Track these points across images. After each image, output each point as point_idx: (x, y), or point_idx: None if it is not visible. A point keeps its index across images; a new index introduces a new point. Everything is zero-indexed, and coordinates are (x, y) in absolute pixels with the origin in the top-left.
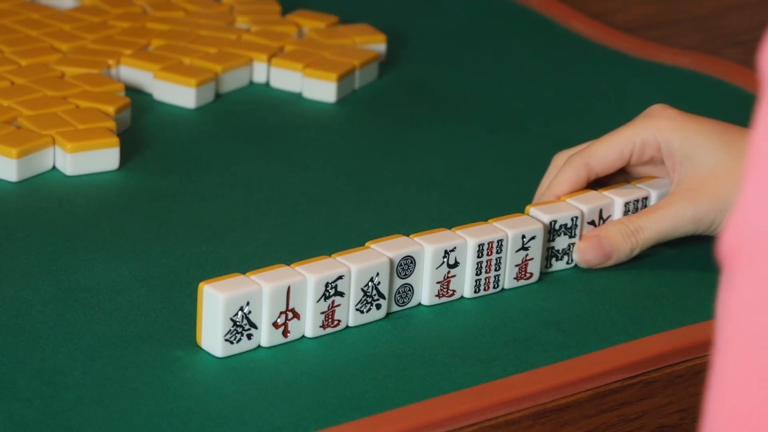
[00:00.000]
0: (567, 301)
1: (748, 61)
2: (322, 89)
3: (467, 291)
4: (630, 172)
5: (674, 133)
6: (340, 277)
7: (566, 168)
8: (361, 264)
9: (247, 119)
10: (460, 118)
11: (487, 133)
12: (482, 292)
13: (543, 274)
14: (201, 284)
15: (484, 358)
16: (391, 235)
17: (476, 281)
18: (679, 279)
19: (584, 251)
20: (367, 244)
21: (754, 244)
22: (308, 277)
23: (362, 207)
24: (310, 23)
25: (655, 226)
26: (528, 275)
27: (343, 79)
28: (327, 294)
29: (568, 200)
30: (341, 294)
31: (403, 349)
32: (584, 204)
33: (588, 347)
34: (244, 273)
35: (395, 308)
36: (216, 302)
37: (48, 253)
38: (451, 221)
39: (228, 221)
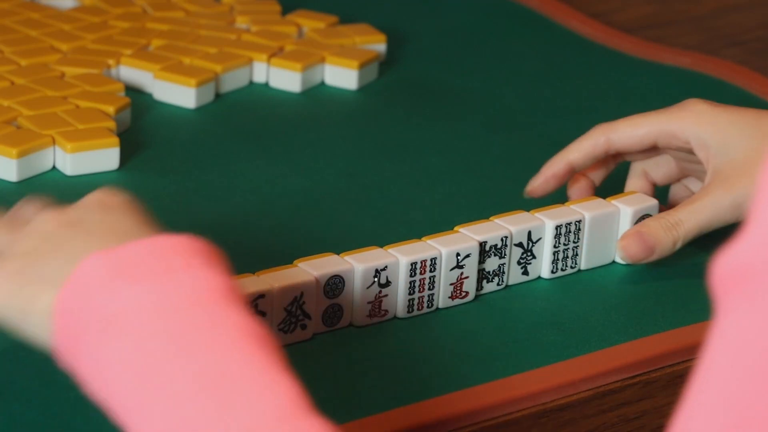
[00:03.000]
0: (567, 301)
1: (748, 61)
2: (344, 77)
3: (400, 311)
4: (672, 156)
5: (704, 126)
6: (261, 296)
7: (586, 135)
8: (285, 283)
9: (247, 119)
10: (460, 118)
11: (487, 133)
12: (416, 312)
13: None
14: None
15: (484, 358)
16: (323, 253)
17: (410, 301)
18: (680, 280)
19: (628, 247)
20: (295, 262)
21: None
22: None
23: (362, 207)
24: (310, 23)
25: (694, 218)
26: (464, 294)
27: (363, 68)
28: None
29: (497, 220)
30: (263, 314)
31: (403, 349)
32: (513, 225)
33: (588, 347)
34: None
35: (323, 329)
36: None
37: None
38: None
39: (228, 221)
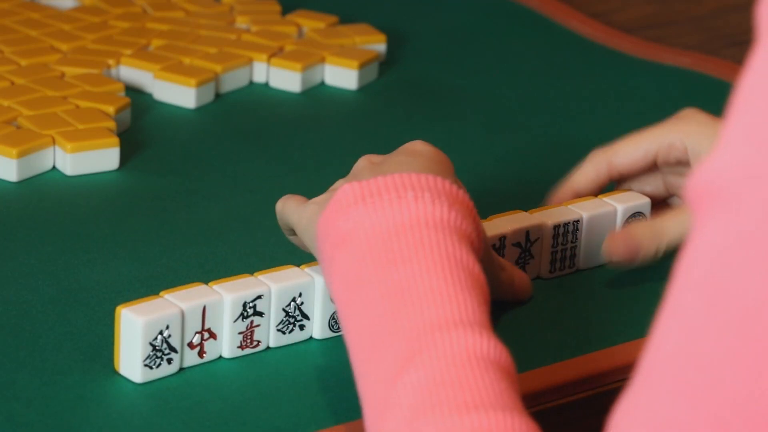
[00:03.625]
0: (567, 301)
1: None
2: (344, 77)
3: None
4: (662, 174)
5: (702, 138)
6: (259, 297)
7: (587, 163)
8: (283, 283)
9: (247, 119)
10: (460, 118)
11: (487, 133)
12: None
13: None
14: (118, 308)
15: None
16: None
17: None
18: None
19: (615, 247)
20: (302, 266)
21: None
22: (225, 297)
23: None
24: (310, 23)
25: (678, 229)
26: None
27: (363, 68)
28: (245, 314)
29: (495, 220)
30: (260, 314)
31: None
32: (511, 225)
33: (588, 347)
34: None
35: (329, 334)
36: (135, 327)
37: (48, 253)
38: None
39: (228, 221)
